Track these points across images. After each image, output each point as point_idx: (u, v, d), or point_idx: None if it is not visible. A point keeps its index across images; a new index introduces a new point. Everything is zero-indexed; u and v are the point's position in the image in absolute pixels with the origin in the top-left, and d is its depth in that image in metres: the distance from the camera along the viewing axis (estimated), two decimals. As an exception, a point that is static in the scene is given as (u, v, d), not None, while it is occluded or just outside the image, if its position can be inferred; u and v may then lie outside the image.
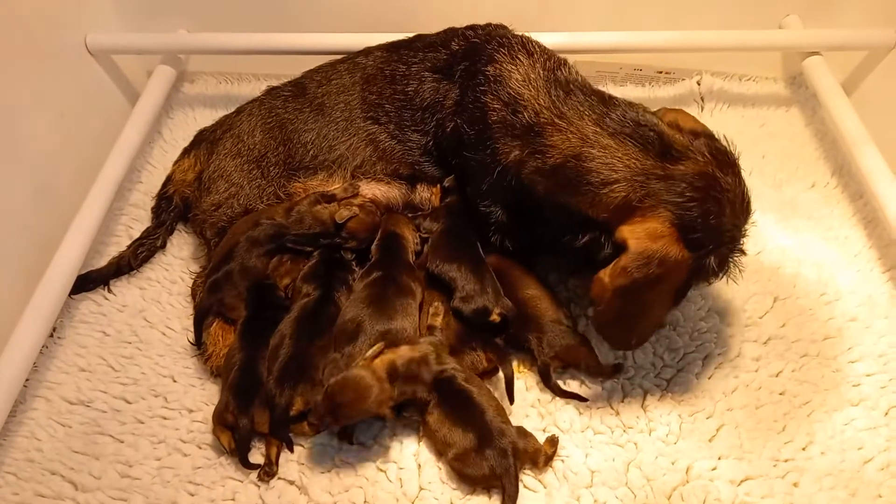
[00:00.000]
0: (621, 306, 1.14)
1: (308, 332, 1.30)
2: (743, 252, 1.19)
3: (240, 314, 1.36)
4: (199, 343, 1.38)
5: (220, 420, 1.25)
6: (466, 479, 1.20)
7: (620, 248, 1.12)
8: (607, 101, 1.25)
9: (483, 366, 1.32)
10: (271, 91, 1.66)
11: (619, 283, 1.10)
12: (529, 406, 1.32)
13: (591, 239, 1.19)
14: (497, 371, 1.32)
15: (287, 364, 1.25)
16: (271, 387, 1.23)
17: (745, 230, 1.18)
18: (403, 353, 1.23)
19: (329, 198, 1.48)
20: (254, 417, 1.23)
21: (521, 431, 1.22)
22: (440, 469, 1.25)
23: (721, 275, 1.18)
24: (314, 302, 1.35)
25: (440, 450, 1.23)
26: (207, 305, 1.37)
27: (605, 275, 1.12)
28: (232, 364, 1.28)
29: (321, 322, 1.32)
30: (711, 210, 1.11)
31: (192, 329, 1.46)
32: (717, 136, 1.23)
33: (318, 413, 1.19)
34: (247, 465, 1.24)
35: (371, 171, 1.53)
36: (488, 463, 1.15)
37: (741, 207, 1.15)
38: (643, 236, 1.10)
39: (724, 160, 1.15)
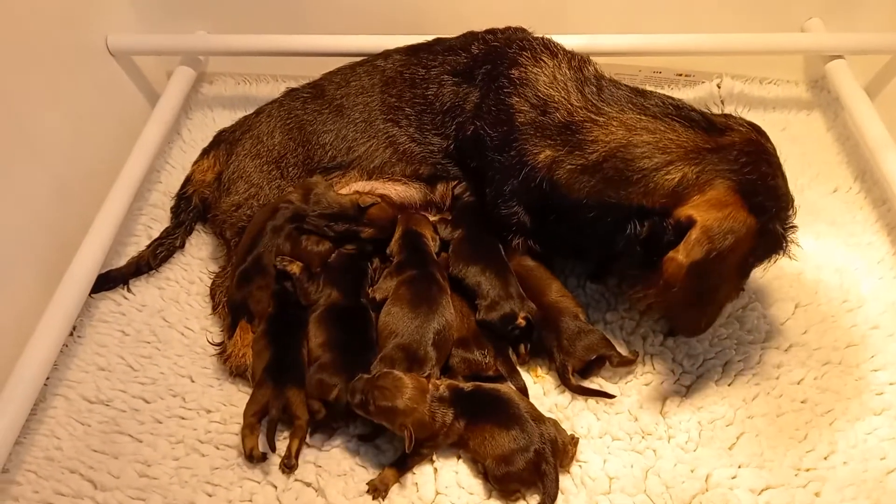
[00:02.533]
0: (695, 285, 1.13)
1: (346, 331, 1.33)
2: (795, 227, 1.22)
3: (264, 307, 1.37)
4: (231, 335, 1.38)
5: (254, 403, 1.25)
6: (508, 479, 1.18)
7: (684, 229, 1.12)
8: (642, 91, 1.27)
9: (486, 371, 1.31)
10: (290, 93, 1.66)
11: (694, 258, 1.09)
12: (547, 411, 1.31)
13: (651, 226, 1.18)
14: (504, 380, 1.32)
15: (338, 359, 1.28)
16: (329, 377, 1.25)
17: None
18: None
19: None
20: (289, 398, 1.24)
21: (555, 424, 1.22)
22: (457, 473, 1.24)
23: (785, 245, 1.21)
24: (344, 304, 1.37)
25: (480, 457, 1.21)
26: (241, 298, 1.38)
27: (677, 253, 1.10)
28: (262, 354, 1.30)
29: (358, 322, 1.35)
30: (767, 172, 1.15)
31: (210, 329, 1.48)
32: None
33: (355, 391, 1.19)
34: (272, 447, 1.25)
35: (390, 173, 1.53)
36: (531, 458, 1.15)
37: (783, 172, 1.20)
38: (708, 208, 1.11)
39: (760, 130, 1.20)
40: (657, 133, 1.18)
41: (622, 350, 1.38)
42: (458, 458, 1.26)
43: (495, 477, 1.18)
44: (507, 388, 1.26)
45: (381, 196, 1.51)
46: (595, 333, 1.32)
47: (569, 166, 1.25)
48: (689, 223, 1.11)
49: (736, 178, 1.13)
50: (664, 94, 1.26)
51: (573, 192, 1.26)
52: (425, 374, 1.24)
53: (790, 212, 1.21)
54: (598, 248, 1.33)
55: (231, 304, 1.40)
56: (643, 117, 1.21)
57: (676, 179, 1.15)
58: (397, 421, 1.18)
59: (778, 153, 1.21)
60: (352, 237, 1.47)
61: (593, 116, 1.24)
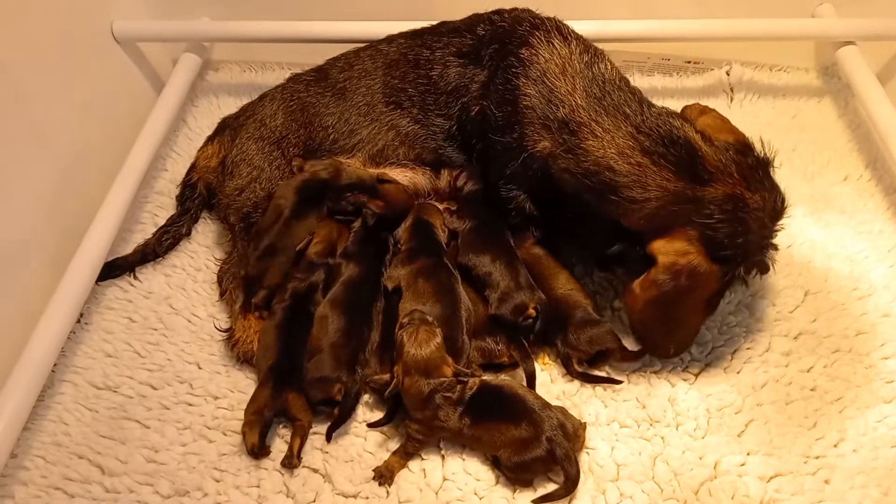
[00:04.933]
0: (655, 316, 1.18)
1: (363, 320, 1.34)
2: (775, 248, 1.22)
3: (276, 282, 1.38)
4: (245, 304, 1.40)
5: (255, 402, 1.25)
6: (524, 467, 1.17)
7: (652, 259, 1.16)
8: (643, 106, 1.25)
9: (499, 358, 1.31)
10: (294, 77, 1.66)
11: (650, 296, 1.15)
12: (554, 399, 1.31)
13: (623, 248, 1.23)
14: (517, 366, 1.32)
15: (353, 351, 1.29)
16: (340, 374, 1.26)
17: (777, 230, 1.20)
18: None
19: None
20: (289, 401, 1.24)
21: (563, 411, 1.21)
22: (464, 460, 1.24)
23: (754, 275, 1.22)
24: (361, 285, 1.37)
25: (491, 450, 1.21)
26: (261, 269, 1.39)
27: (636, 286, 1.17)
28: (269, 351, 1.29)
29: (370, 308, 1.36)
30: (738, 231, 1.14)
31: (217, 316, 1.48)
32: (750, 141, 1.24)
33: (408, 313, 1.25)
34: (264, 449, 1.25)
35: (393, 156, 1.53)
36: (544, 447, 1.14)
37: (771, 218, 1.18)
38: (671, 252, 1.14)
39: (753, 177, 1.16)
40: (643, 168, 1.18)
41: (629, 342, 1.37)
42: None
43: (509, 467, 1.18)
44: (510, 382, 1.25)
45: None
46: (602, 326, 1.31)
47: (562, 164, 1.26)
48: (653, 260, 1.15)
49: (704, 232, 1.14)
50: (665, 115, 1.23)
51: (564, 187, 1.27)
52: (462, 364, 1.25)
53: (760, 255, 1.20)
54: (587, 240, 1.35)
55: (249, 276, 1.40)
56: (635, 145, 1.19)
57: (650, 216, 1.17)
58: (398, 362, 1.21)
59: (774, 190, 1.18)
60: (360, 208, 1.46)
61: (592, 124, 1.23)
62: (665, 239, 1.16)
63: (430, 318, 1.25)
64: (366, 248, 1.42)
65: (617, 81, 1.30)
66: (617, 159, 1.20)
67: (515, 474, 1.19)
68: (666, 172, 1.16)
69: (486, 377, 1.27)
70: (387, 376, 1.23)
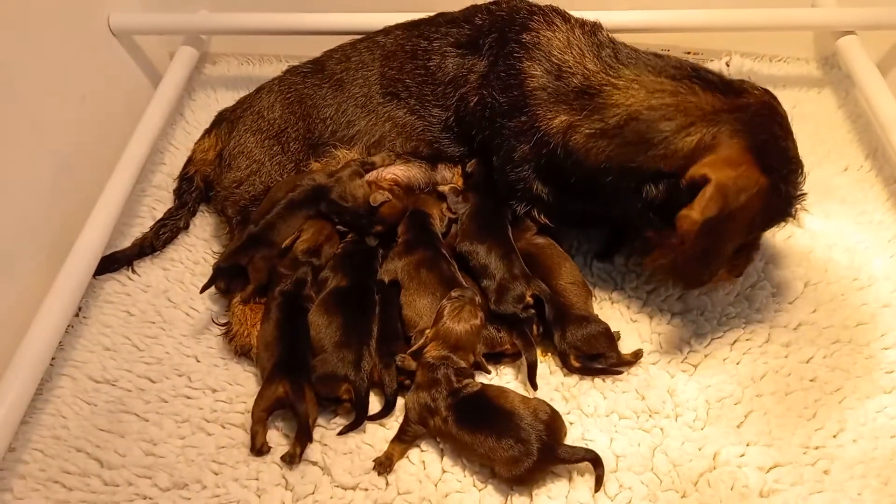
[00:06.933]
0: (705, 241, 1.14)
1: (360, 316, 1.33)
2: (804, 194, 1.23)
3: (262, 278, 1.37)
4: (204, 289, 1.40)
5: (264, 400, 1.24)
6: (518, 481, 1.17)
7: (698, 187, 1.12)
8: (658, 54, 1.28)
9: (501, 346, 1.31)
10: (291, 69, 1.66)
11: (708, 215, 1.10)
12: (553, 390, 1.31)
13: (667, 188, 1.19)
14: (520, 356, 1.31)
15: (357, 348, 1.28)
16: (347, 372, 1.25)
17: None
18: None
19: (368, 165, 1.48)
20: (306, 397, 1.23)
21: (550, 417, 1.18)
22: (463, 452, 1.24)
23: (794, 210, 1.22)
24: (349, 287, 1.37)
25: (479, 461, 1.21)
26: (237, 262, 1.38)
27: (691, 210, 1.11)
28: (271, 348, 1.29)
29: (367, 308, 1.35)
30: (778, 133, 1.17)
31: (215, 309, 1.47)
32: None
33: (463, 290, 1.30)
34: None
35: (390, 148, 1.52)
36: (533, 459, 1.12)
37: (794, 137, 1.21)
38: (723, 166, 1.12)
39: (774, 95, 1.22)
40: (678, 95, 1.19)
41: (629, 336, 1.38)
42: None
43: (506, 479, 1.18)
44: (506, 391, 1.23)
45: (390, 182, 1.49)
46: (598, 326, 1.31)
47: (586, 131, 1.25)
48: (704, 181, 1.11)
49: (749, 138, 1.13)
50: (680, 57, 1.27)
51: (590, 158, 1.25)
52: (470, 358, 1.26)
53: (800, 176, 1.21)
54: (611, 214, 1.34)
55: (221, 266, 1.39)
56: (663, 79, 1.21)
57: (695, 141, 1.16)
58: (434, 326, 1.26)
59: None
60: (358, 229, 1.46)
61: (612, 80, 1.24)
62: (714, 154, 1.13)
63: (478, 300, 1.28)
64: (350, 260, 1.42)
65: (620, 42, 1.33)
66: (649, 99, 1.20)
67: (516, 485, 1.18)
68: (701, 92, 1.18)
69: (486, 382, 1.27)
70: (418, 345, 1.26)
